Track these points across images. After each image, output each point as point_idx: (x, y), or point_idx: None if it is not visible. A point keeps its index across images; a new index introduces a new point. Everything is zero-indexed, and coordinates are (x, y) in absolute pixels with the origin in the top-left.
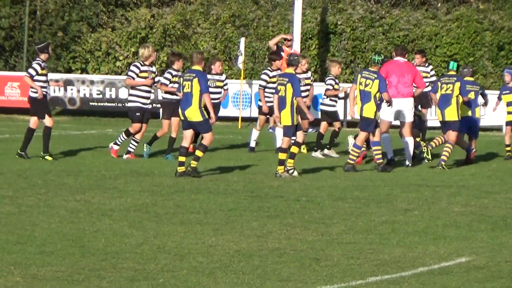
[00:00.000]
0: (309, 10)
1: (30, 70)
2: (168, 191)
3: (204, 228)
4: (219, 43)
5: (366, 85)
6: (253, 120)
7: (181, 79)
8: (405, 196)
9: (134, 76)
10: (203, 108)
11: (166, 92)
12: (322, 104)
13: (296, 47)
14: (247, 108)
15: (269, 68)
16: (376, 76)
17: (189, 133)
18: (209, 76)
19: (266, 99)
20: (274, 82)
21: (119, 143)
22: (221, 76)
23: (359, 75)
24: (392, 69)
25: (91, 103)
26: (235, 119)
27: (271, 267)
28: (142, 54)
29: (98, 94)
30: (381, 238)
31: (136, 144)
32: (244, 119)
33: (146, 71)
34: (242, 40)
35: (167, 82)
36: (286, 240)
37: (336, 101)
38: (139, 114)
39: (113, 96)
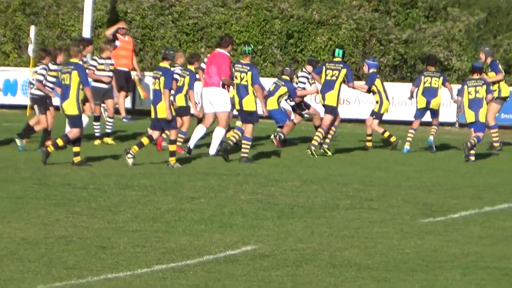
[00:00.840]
0: None
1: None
2: None
3: None
4: (8, 31)
5: (241, 79)
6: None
7: (59, 72)
8: (192, 184)
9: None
10: (80, 103)
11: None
12: None
13: (86, 35)
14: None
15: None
16: (248, 68)
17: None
18: (54, 67)
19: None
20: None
21: None
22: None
23: (233, 69)
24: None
25: None
26: (24, 107)
27: (57, 255)
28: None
29: None
30: (167, 226)
31: None
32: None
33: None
34: (33, 28)
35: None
36: (72, 228)
37: None
38: None
39: None
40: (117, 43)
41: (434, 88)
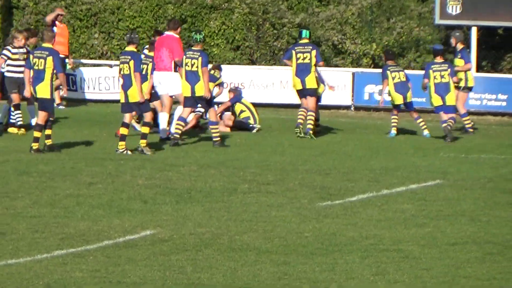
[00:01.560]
0: None
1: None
2: None
3: None
4: None
5: (192, 65)
6: None
7: (31, 55)
8: (89, 169)
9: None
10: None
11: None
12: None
13: None
14: None
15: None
16: (199, 54)
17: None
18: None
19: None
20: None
21: None
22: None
23: (184, 57)
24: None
25: None
26: None
27: None
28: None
29: None
30: (66, 211)
31: None
32: None
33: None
34: None
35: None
36: None
37: None
38: None
39: None
40: (55, 29)
41: (403, 82)
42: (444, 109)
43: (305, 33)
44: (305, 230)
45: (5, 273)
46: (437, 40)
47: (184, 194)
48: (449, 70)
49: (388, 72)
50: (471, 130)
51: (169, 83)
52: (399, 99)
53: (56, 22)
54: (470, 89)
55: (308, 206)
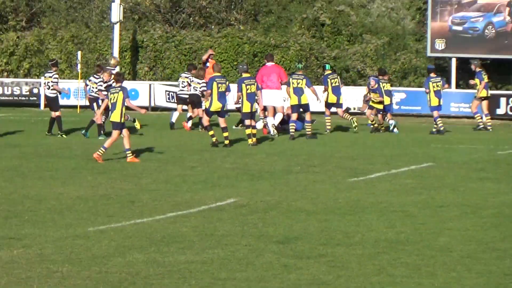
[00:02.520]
0: (124, 31)
1: (54, 79)
2: (30, 156)
3: (55, 181)
4: (63, 55)
5: (298, 83)
6: (86, 107)
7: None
8: (191, 157)
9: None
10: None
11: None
12: None
13: (116, 55)
14: (84, 99)
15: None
16: (303, 77)
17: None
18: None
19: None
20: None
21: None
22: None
23: (290, 78)
24: (263, 71)
25: None
26: (75, 106)
27: (101, 207)
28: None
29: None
30: (175, 186)
31: None
32: (82, 107)
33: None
34: (79, 53)
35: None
36: (111, 189)
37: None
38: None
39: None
40: (207, 64)
41: (389, 91)
42: (438, 108)
43: (328, 66)
44: (339, 197)
45: (133, 229)
46: (430, 63)
47: (256, 174)
48: (441, 81)
49: (380, 83)
50: (482, 126)
51: (276, 98)
52: (386, 100)
53: (209, 60)
54: (481, 98)
55: (341, 181)
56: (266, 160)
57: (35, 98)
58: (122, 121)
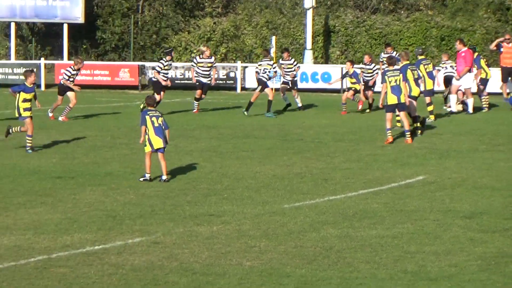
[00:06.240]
0: (317, 17)
1: (157, 67)
2: (228, 137)
3: (252, 161)
4: (258, 40)
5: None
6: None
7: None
8: (382, 137)
9: (195, 64)
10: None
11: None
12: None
13: (308, 42)
14: (279, 81)
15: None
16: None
17: None
18: (202, 60)
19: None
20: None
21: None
22: (210, 58)
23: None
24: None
25: (176, 81)
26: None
27: (295, 185)
28: (201, 50)
29: (180, 75)
30: (366, 165)
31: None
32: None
33: (202, 62)
34: (273, 38)
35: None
36: (305, 168)
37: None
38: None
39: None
40: (501, 49)
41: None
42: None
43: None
44: None
45: (327, 205)
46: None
47: (444, 152)
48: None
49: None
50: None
51: (465, 79)
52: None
53: (503, 44)
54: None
55: None
56: (452, 139)
57: (231, 82)
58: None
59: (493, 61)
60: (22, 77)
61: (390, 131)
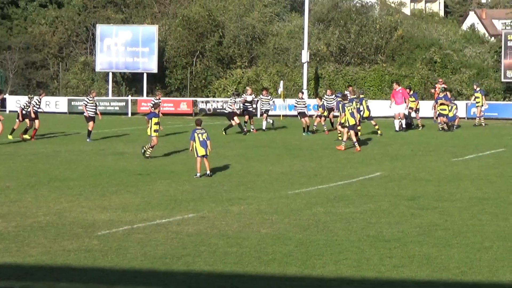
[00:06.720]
0: (310, 68)
1: (229, 101)
2: (251, 147)
3: (266, 163)
4: (271, 84)
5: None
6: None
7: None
8: (350, 148)
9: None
10: None
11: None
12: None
13: (305, 84)
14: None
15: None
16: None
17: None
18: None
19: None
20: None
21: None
22: (251, 96)
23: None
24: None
25: (217, 111)
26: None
27: (296, 179)
28: (247, 91)
29: (220, 107)
30: (343, 164)
31: None
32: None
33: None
34: (282, 82)
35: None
36: (302, 167)
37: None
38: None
39: (224, 107)
40: (436, 88)
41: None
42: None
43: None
44: (446, 171)
45: (316, 192)
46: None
47: (394, 156)
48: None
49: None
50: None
51: (399, 107)
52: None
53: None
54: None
55: (447, 160)
56: (400, 148)
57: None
58: None
59: (426, 95)
60: (117, 108)
61: (345, 142)
